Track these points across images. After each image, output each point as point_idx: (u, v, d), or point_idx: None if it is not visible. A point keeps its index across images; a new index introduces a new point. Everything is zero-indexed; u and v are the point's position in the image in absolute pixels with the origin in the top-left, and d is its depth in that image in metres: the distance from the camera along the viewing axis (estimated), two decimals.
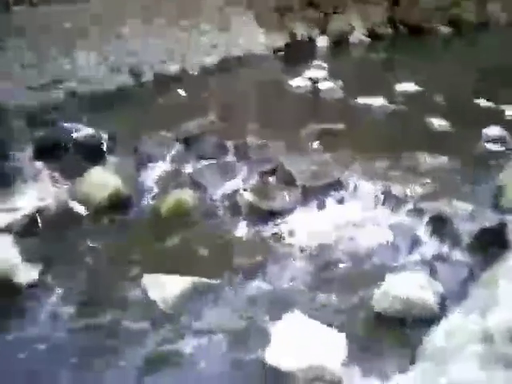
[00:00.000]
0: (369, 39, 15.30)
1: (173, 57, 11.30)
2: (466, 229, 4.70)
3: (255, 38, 13.32)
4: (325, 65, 11.70)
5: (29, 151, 6.56)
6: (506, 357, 2.66)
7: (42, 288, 4.50)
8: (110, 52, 10.27)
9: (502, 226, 4.56)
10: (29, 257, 4.71)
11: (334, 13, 15.53)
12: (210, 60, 11.85)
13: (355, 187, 5.62)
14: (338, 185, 5.68)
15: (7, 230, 5.11)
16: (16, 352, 3.77)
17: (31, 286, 4.51)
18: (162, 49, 11.27)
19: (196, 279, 4.44)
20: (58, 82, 8.95)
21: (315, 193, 5.61)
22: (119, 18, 10.89)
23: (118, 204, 5.77)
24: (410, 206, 5.22)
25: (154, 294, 4.32)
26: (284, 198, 5.59)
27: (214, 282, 4.45)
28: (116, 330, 3.98)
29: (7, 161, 6.21)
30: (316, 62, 11.96)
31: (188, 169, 6.42)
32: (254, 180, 6.02)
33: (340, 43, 14.80)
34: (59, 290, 4.45)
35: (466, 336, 3.03)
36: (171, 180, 6.22)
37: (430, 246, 4.77)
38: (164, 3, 11.90)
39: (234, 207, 5.61)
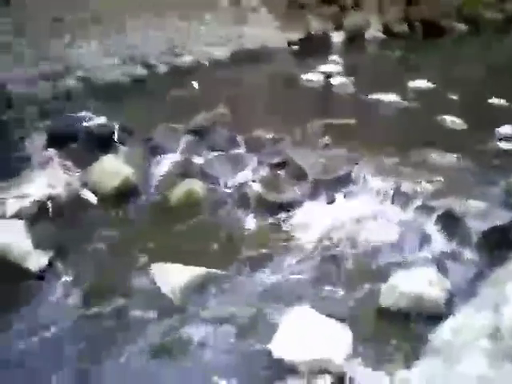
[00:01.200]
0: (384, 36, 15.21)
1: (186, 49, 11.32)
2: (476, 227, 4.66)
3: (270, 32, 13.29)
4: (339, 60, 11.68)
5: (41, 139, 6.62)
6: None
7: (52, 274, 4.54)
8: (121, 43, 10.30)
9: None
10: (39, 243, 4.73)
11: (352, 7, 15.46)
12: (224, 52, 11.86)
13: (365, 182, 5.59)
14: (347, 179, 5.66)
15: (18, 216, 5.15)
16: (23, 337, 3.80)
17: (41, 272, 4.54)
18: (176, 41, 11.29)
19: (204, 269, 4.44)
20: (71, 71, 8.99)
21: (325, 187, 5.60)
22: (129, 9, 10.91)
23: (128, 193, 5.80)
24: (419, 202, 5.18)
25: (162, 283, 4.33)
26: (293, 190, 5.59)
27: (221, 272, 4.45)
28: (124, 319, 4.00)
29: (19, 148, 6.26)
30: (330, 57, 11.94)
31: (198, 160, 6.43)
32: (264, 172, 6.03)
33: (355, 39, 14.72)
34: (68, 277, 4.48)
35: (473, 332, 3.01)
36: (181, 170, 6.23)
37: (439, 243, 4.74)
38: None
39: (243, 199, 5.61)
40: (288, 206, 5.43)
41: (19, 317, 4.05)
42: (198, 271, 4.42)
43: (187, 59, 11.13)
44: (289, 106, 8.39)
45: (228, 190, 5.89)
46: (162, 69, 10.49)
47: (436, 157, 6.14)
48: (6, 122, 6.56)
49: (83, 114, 7.22)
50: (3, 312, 4.09)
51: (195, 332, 3.81)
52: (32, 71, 8.55)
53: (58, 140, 6.55)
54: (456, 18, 16.22)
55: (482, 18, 16.31)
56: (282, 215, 5.34)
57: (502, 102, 8.34)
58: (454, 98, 8.78)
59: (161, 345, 3.71)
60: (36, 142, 6.58)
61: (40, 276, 4.50)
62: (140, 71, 10.08)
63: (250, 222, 5.30)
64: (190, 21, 11.95)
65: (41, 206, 5.33)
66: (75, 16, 10.08)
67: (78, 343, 3.76)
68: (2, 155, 5.98)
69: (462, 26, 16.01)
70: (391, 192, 5.40)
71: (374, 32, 15.29)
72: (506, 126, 7.00)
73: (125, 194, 5.78)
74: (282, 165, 6.08)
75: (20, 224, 4.92)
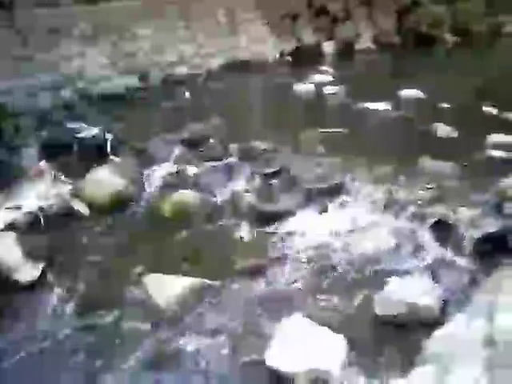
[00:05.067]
0: (375, 46, 15.34)
1: (180, 59, 11.37)
2: (469, 234, 4.68)
3: (262, 42, 13.38)
4: (331, 70, 11.78)
5: (34, 150, 6.60)
6: (508, 361, 2.64)
7: (43, 286, 4.51)
8: (116, 54, 10.34)
9: (505, 232, 4.53)
10: (30, 255, 4.71)
11: (343, 19, 15.58)
12: (218, 63, 11.92)
13: (358, 191, 5.60)
14: (340, 188, 5.67)
15: (10, 228, 5.12)
16: (15, 350, 3.77)
17: (32, 284, 4.52)
18: (170, 51, 11.34)
19: (197, 280, 4.43)
20: (65, 82, 9.00)
21: (318, 196, 5.60)
22: (125, 21, 10.96)
23: (120, 204, 5.80)
24: (412, 210, 5.19)
25: (155, 294, 4.31)
26: (286, 200, 5.59)
27: (215, 282, 4.44)
28: (117, 330, 3.97)
29: (12, 159, 6.23)
30: (322, 67, 12.04)
31: (192, 170, 6.42)
32: (257, 182, 6.03)
33: (347, 49, 14.84)
34: (60, 289, 4.46)
35: (468, 340, 3.01)
36: (174, 181, 6.23)
37: (433, 251, 4.74)
38: (172, 5, 11.96)
39: (237, 209, 5.61)
40: (281, 216, 5.43)
41: (11, 328, 4.02)
42: (192, 282, 4.41)
43: (182, 70, 11.18)
44: (282, 116, 8.42)
45: (221, 201, 5.88)
46: (157, 79, 10.53)
47: (429, 165, 6.16)
48: (1, 132, 6.54)
49: (77, 125, 7.22)
50: None
51: (190, 343, 3.78)
52: (30, 82, 8.56)
53: (51, 151, 6.53)
54: (446, 29, 16.38)
55: (472, 29, 16.46)
56: (276, 225, 5.33)
57: (493, 110, 8.40)
58: (446, 106, 8.85)
59: (155, 356, 3.68)
60: (30, 154, 6.56)
61: (31, 288, 4.46)
62: (135, 82, 10.12)
63: (244, 232, 5.29)
64: (185, 32, 12.01)
65: (32, 217, 5.31)
66: (73, 27, 10.11)
67: (72, 355, 3.73)
68: None
69: (453, 37, 16.17)
70: (384, 200, 5.41)
71: (365, 42, 15.41)
72: (498, 134, 7.04)
73: (117, 205, 5.77)
74: (275, 174, 6.09)
75: (11, 236, 4.90)
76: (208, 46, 12.09)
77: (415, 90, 9.63)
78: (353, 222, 5.24)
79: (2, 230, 5.06)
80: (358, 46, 15.26)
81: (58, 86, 8.78)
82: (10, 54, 8.80)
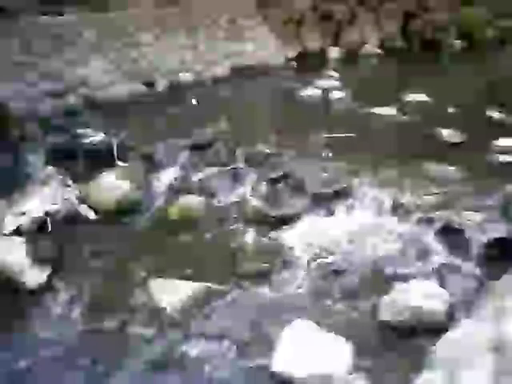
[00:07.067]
0: (380, 51, 15.35)
1: (186, 66, 11.41)
2: (476, 239, 4.65)
3: (267, 48, 13.41)
4: (336, 75, 11.80)
5: (41, 155, 6.65)
6: None
7: (50, 291, 4.53)
8: (122, 60, 10.39)
9: None
10: (37, 260, 4.74)
11: (348, 23, 15.62)
12: (223, 69, 11.96)
13: (364, 195, 5.59)
14: (347, 192, 5.66)
15: (17, 232, 5.15)
16: (22, 355, 3.78)
17: (39, 288, 4.54)
18: (175, 58, 11.39)
19: (203, 285, 4.44)
20: (72, 88, 9.06)
21: (324, 200, 5.59)
22: (132, 27, 11.02)
23: (126, 209, 5.81)
24: (419, 214, 5.17)
25: (160, 299, 4.32)
26: (292, 204, 5.59)
27: (220, 287, 4.44)
28: (122, 335, 3.98)
29: (19, 164, 6.28)
30: (327, 72, 12.06)
31: (198, 175, 6.44)
32: (263, 187, 6.03)
33: (352, 54, 14.86)
34: (67, 294, 4.48)
35: (474, 346, 2.99)
36: (181, 186, 6.25)
37: (439, 255, 4.72)
38: (177, 12, 12.01)
39: (242, 214, 5.61)
40: (287, 220, 5.42)
41: (18, 333, 4.03)
42: (197, 287, 4.41)
43: (187, 76, 11.23)
44: (288, 121, 8.43)
45: (227, 206, 5.88)
46: (162, 85, 10.57)
47: (435, 169, 6.14)
48: (7, 138, 6.59)
49: (83, 130, 7.27)
50: (2, 329, 4.08)
51: (194, 348, 3.78)
52: (33, 88, 8.62)
53: (58, 157, 6.58)
54: (452, 34, 16.37)
55: (478, 34, 16.44)
56: (282, 229, 5.33)
57: (500, 115, 8.38)
58: (452, 111, 8.83)
59: (160, 361, 3.68)
60: (36, 159, 6.61)
61: (39, 292, 4.48)
62: (140, 88, 10.17)
63: (250, 237, 5.29)
64: (189, 38, 12.06)
65: (39, 222, 5.34)
66: (77, 35, 10.17)
67: (77, 359, 3.73)
68: (2, 171, 6.00)
69: (458, 42, 16.15)
70: (390, 204, 5.39)
71: (370, 47, 15.43)
72: (505, 138, 7.02)
73: (123, 209, 5.79)
74: (281, 179, 6.09)
75: (19, 240, 4.92)
76: (211, 53, 12.13)
77: (421, 95, 9.63)
78: (359, 226, 5.23)
79: (9, 235, 5.08)
80: (363, 51, 15.28)
81: (61, 93, 8.83)
82: (12, 61, 8.85)
